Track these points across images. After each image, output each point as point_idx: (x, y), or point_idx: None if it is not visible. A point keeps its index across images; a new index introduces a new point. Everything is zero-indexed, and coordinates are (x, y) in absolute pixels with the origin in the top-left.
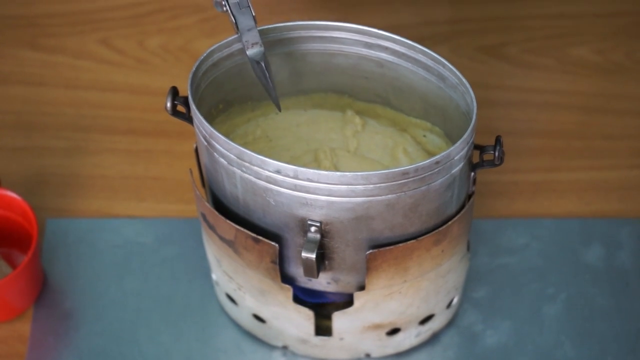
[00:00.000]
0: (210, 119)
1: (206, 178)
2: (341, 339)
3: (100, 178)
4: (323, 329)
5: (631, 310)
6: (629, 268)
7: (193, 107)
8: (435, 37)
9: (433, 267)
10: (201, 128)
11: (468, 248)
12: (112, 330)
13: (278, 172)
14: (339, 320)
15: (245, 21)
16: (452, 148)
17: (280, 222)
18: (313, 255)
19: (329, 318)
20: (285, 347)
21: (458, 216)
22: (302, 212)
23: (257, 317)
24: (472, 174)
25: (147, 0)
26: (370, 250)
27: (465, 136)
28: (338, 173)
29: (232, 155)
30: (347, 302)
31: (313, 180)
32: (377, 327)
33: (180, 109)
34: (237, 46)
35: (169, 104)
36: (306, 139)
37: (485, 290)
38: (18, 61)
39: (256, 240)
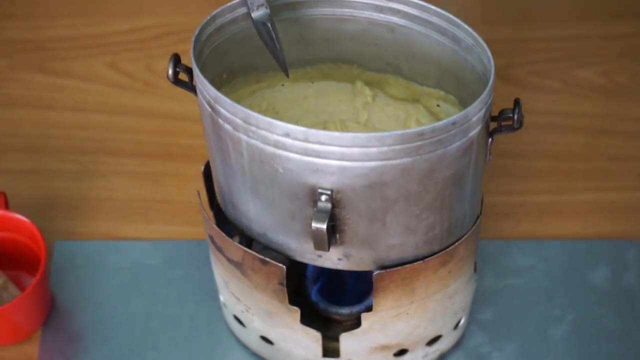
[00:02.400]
0: None
1: (211, 155)
2: None
3: (108, 200)
4: (330, 350)
5: (638, 331)
6: (635, 289)
7: (196, 70)
8: None
9: (440, 288)
10: (205, 93)
11: (475, 269)
12: (120, 352)
13: (287, 135)
14: (347, 341)
15: None
16: (469, 108)
17: (289, 192)
18: (324, 226)
19: (336, 340)
20: None
21: (465, 237)
22: (312, 179)
23: (265, 339)
24: (490, 139)
25: (154, 24)
26: (377, 271)
27: (483, 96)
28: (351, 134)
29: (238, 120)
30: (354, 323)
31: (324, 143)
32: (384, 348)
33: (182, 78)
34: (241, 10)
35: (170, 71)
36: (315, 112)
37: (492, 312)
38: (27, 84)
39: (264, 262)
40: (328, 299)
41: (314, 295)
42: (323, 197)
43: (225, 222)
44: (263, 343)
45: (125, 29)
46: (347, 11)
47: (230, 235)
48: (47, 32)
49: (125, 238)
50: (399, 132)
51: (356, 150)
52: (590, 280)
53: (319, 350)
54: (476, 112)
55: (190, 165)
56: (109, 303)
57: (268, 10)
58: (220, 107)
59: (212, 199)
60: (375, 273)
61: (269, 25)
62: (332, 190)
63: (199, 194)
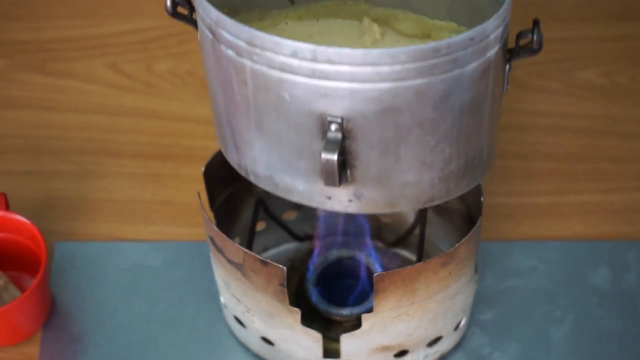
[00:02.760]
0: None
1: (213, 95)
2: None
3: (108, 202)
4: (331, 351)
5: (639, 332)
6: (636, 290)
7: None
8: None
9: (441, 289)
10: (206, 17)
11: (475, 270)
12: (121, 354)
13: (294, 55)
14: (347, 342)
15: None
16: (486, 23)
17: (296, 123)
18: (334, 156)
19: (337, 340)
20: None
21: (465, 238)
22: (321, 106)
23: (266, 340)
24: (507, 66)
25: (155, 25)
26: (378, 272)
27: (500, 11)
28: (362, 51)
29: (241, 43)
30: (355, 324)
31: (334, 62)
32: (385, 349)
33: (181, 11)
34: None
35: (168, 3)
36: None
37: (493, 313)
38: (27, 86)
39: (264, 263)
40: (328, 300)
41: (314, 296)
42: (333, 127)
43: (226, 223)
44: (264, 344)
45: (126, 30)
46: None
47: (230, 236)
48: (48, 33)
49: (125, 239)
50: (413, 47)
51: (367, 69)
52: (591, 281)
53: (319, 351)
54: (493, 28)
55: (191, 167)
56: (109, 304)
57: None
58: (222, 30)
59: (213, 200)
60: (375, 274)
61: None
62: (342, 119)
63: (199, 195)
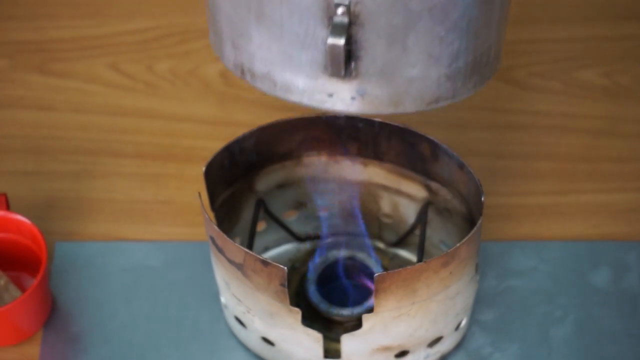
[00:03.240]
0: None
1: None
2: None
3: (109, 202)
4: (332, 352)
5: (639, 332)
6: (637, 291)
7: None
8: None
9: (441, 289)
10: None
11: (476, 270)
12: (121, 354)
13: None
14: (348, 342)
15: None
16: None
17: (301, 7)
18: (341, 41)
19: (337, 341)
20: None
21: (466, 238)
22: None
23: (266, 340)
24: None
25: (156, 25)
26: (379, 272)
27: None
28: None
29: None
30: (355, 324)
31: None
32: (385, 349)
33: None
34: None
35: None
36: None
37: (494, 313)
38: (28, 86)
39: (265, 263)
40: (329, 300)
41: (314, 296)
42: (340, 10)
43: (227, 223)
44: (264, 344)
45: (127, 30)
46: None
47: (231, 236)
48: (48, 33)
49: (126, 239)
50: None
51: None
52: (592, 281)
53: (320, 351)
54: None
55: (192, 167)
56: (109, 304)
57: None
58: None
59: (214, 200)
60: (376, 274)
61: None
62: (350, 1)
63: (200, 195)
